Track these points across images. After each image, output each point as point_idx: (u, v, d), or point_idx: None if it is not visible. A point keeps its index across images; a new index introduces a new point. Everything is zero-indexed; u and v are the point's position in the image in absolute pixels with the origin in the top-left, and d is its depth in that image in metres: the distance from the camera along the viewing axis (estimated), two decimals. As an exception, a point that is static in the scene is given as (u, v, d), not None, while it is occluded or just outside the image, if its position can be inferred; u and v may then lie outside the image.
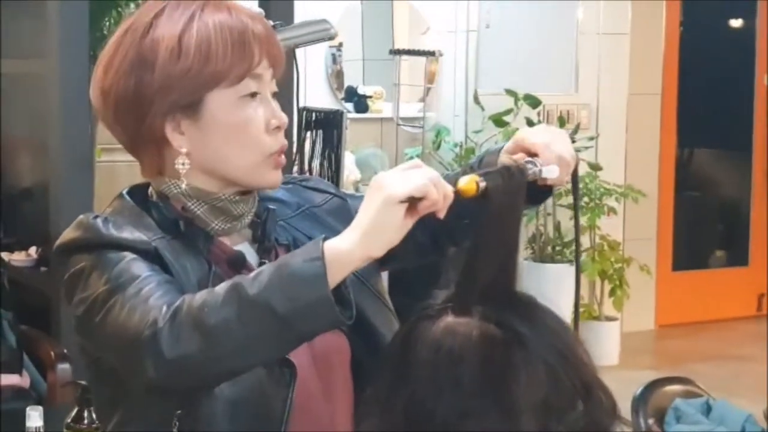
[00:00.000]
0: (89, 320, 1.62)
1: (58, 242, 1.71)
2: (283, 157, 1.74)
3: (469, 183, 1.52)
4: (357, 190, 6.06)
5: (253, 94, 1.70)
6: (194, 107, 1.69)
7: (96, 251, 1.64)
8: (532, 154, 1.69)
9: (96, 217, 1.69)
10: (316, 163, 4.13)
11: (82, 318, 1.64)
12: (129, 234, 1.66)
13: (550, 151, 1.69)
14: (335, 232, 1.82)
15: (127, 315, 1.56)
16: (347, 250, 1.51)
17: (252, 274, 1.53)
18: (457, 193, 1.53)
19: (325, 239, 1.52)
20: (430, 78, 6.67)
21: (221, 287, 1.53)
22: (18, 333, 3.92)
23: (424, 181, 1.50)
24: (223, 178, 1.73)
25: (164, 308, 1.53)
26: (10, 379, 3.85)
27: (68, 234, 1.70)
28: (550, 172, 1.68)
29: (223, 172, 1.72)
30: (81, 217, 1.71)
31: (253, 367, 1.57)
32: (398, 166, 1.53)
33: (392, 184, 1.49)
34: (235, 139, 1.70)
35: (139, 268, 1.61)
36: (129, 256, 1.63)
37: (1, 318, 3.91)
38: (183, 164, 1.71)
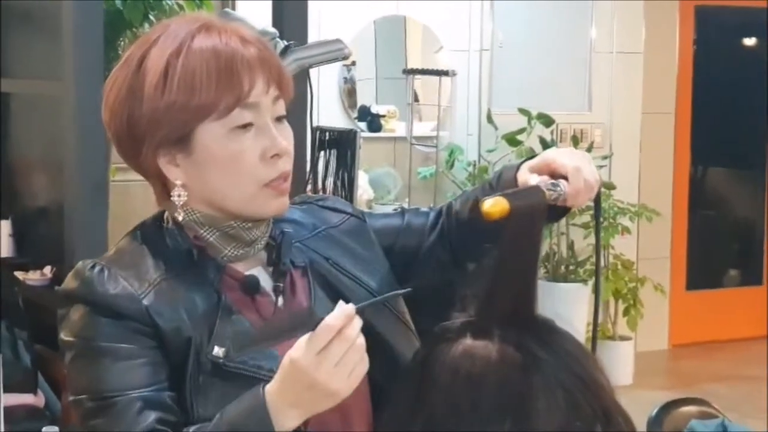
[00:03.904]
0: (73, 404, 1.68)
1: (60, 287, 1.72)
2: (286, 183, 1.70)
3: (495, 205, 1.51)
4: (370, 209, 6.06)
5: (246, 125, 1.66)
6: (185, 141, 1.66)
7: (88, 312, 1.66)
8: (558, 176, 1.69)
9: (93, 266, 1.68)
10: (329, 183, 4.13)
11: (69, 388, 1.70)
12: (121, 289, 1.65)
13: (579, 176, 1.69)
14: (352, 253, 1.83)
15: None
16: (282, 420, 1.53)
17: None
18: (484, 216, 1.52)
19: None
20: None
21: None
22: (33, 353, 3.92)
23: (365, 369, 1.52)
24: (223, 208, 1.70)
25: None
26: (24, 399, 3.85)
27: (67, 282, 1.70)
28: (573, 197, 1.68)
29: (220, 203, 1.70)
30: (79, 265, 1.70)
31: None
32: (315, 347, 1.49)
33: (340, 387, 1.50)
34: (227, 172, 1.67)
35: (123, 377, 1.62)
36: (117, 350, 1.63)
37: (15, 338, 3.91)
38: (179, 196, 1.69)
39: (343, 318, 1.49)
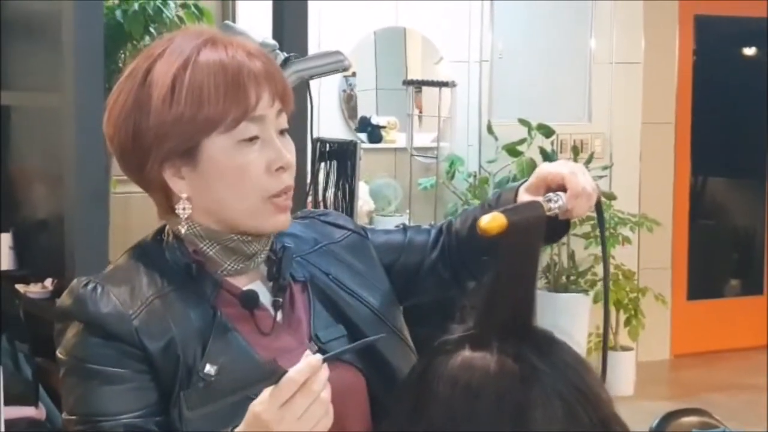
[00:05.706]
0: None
1: (57, 304, 1.73)
2: (288, 200, 1.71)
3: (492, 221, 1.52)
4: (371, 220, 6.06)
5: (253, 138, 1.67)
6: (191, 153, 1.66)
7: (81, 331, 1.67)
8: (554, 189, 1.70)
9: (87, 284, 1.69)
10: (330, 194, 4.13)
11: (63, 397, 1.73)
12: (112, 308, 1.65)
13: (576, 180, 1.69)
14: (353, 269, 1.83)
15: None
16: None
17: None
18: (481, 232, 1.52)
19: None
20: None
21: None
22: (34, 365, 3.92)
23: (330, 423, 1.51)
24: (225, 221, 1.70)
25: None
26: (25, 411, 3.84)
27: (63, 299, 1.71)
28: (572, 202, 1.68)
29: (224, 216, 1.70)
30: (74, 282, 1.71)
31: None
32: (278, 400, 1.48)
33: None
34: (232, 184, 1.67)
35: (110, 401, 1.64)
36: (106, 374, 1.64)
37: (16, 350, 3.91)
38: (184, 209, 1.69)
39: (307, 371, 1.48)
